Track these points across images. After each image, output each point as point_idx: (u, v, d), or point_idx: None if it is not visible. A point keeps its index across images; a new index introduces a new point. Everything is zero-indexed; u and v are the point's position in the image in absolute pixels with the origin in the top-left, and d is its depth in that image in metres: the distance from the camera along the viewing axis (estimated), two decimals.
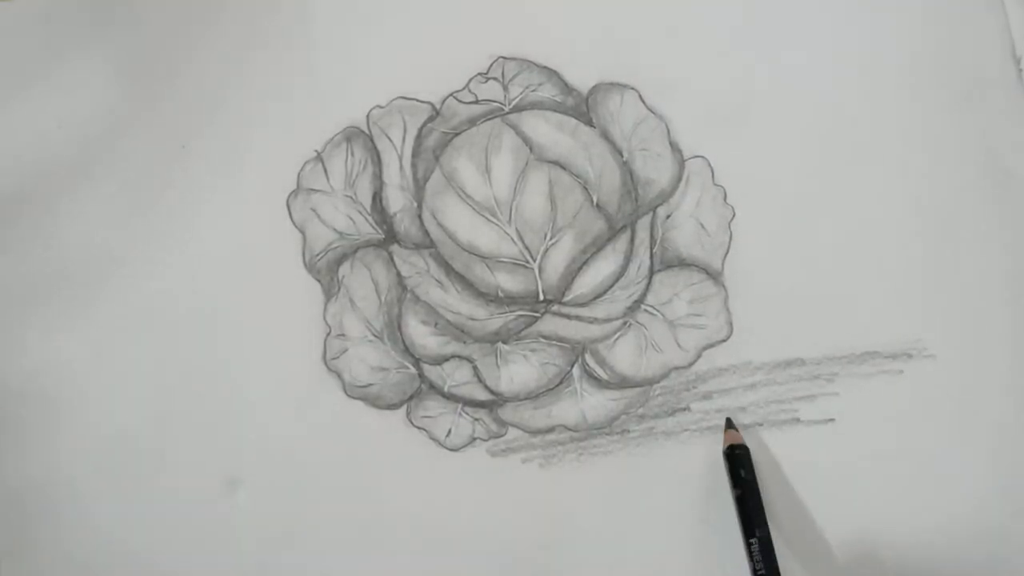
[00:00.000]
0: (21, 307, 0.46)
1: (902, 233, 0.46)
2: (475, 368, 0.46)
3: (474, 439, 0.45)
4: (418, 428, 0.45)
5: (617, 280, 0.46)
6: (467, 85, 0.47)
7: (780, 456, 0.44)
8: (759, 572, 0.40)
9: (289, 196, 0.47)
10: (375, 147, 0.47)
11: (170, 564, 0.45)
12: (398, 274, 0.46)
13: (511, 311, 0.46)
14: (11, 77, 0.48)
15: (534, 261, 0.46)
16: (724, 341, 0.45)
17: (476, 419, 0.45)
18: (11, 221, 0.47)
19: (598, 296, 0.46)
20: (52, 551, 0.44)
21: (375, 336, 0.46)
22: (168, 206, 0.47)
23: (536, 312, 0.46)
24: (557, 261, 0.46)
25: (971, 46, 0.47)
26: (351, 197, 0.47)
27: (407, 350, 0.46)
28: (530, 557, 0.44)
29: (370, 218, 0.47)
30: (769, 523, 0.42)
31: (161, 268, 0.46)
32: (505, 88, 0.47)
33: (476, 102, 0.47)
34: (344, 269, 0.46)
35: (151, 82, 0.47)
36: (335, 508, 0.45)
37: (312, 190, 0.47)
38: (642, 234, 0.46)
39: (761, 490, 0.43)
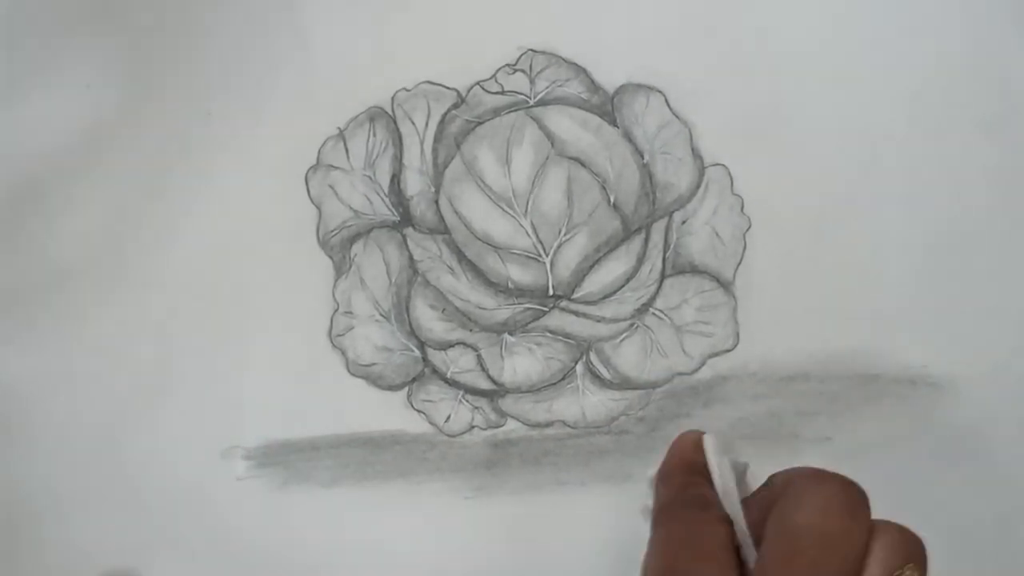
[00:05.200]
0: (26, 300, 0.46)
1: (917, 258, 0.46)
2: (479, 357, 0.46)
3: (472, 427, 0.45)
4: (418, 411, 0.45)
5: (628, 281, 0.46)
6: (494, 75, 0.47)
7: (775, 468, 0.44)
8: None
9: (308, 171, 0.47)
10: (398, 129, 0.47)
11: (165, 533, 0.45)
12: (410, 257, 0.46)
13: (519, 303, 0.46)
14: (39, 41, 0.48)
15: (546, 255, 0.46)
16: (730, 351, 0.45)
17: (476, 407, 0.46)
18: (29, 198, 0.47)
19: (608, 295, 0.46)
20: (50, 525, 0.45)
21: (382, 316, 0.46)
22: (188, 172, 0.47)
23: (544, 306, 0.46)
24: (569, 257, 0.46)
25: (998, 73, 0.47)
26: (370, 177, 0.47)
27: (413, 333, 0.46)
28: (523, 551, 0.44)
29: (387, 199, 0.47)
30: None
31: (176, 235, 0.46)
32: (532, 81, 0.47)
33: (502, 93, 0.47)
34: (357, 248, 0.46)
35: (178, 53, 0.47)
36: (331, 482, 0.45)
37: (331, 167, 0.47)
38: (656, 237, 0.46)
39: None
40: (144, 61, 0.47)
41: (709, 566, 0.32)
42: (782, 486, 0.34)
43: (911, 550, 0.33)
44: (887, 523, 0.33)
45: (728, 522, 0.34)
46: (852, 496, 0.33)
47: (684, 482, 0.36)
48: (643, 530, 0.44)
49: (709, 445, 0.36)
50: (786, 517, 0.33)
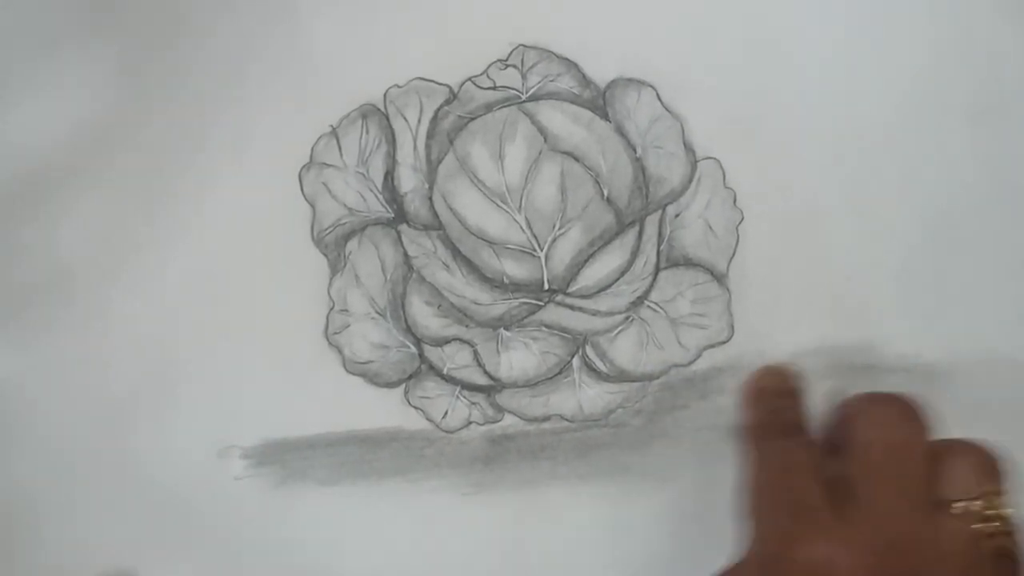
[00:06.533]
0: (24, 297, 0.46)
1: (909, 248, 0.46)
2: (475, 352, 0.46)
3: (470, 422, 0.45)
4: (415, 408, 0.45)
5: (623, 274, 0.46)
6: (486, 71, 0.47)
7: None
8: None
9: (301, 169, 0.47)
10: (390, 126, 0.47)
11: (164, 532, 0.45)
12: (405, 254, 0.46)
13: (515, 298, 0.46)
14: (30, 45, 0.47)
15: (541, 250, 0.46)
16: (725, 342, 0.46)
17: (473, 403, 0.46)
18: (24, 198, 0.46)
19: (603, 289, 0.46)
20: (49, 525, 0.45)
21: (378, 313, 0.46)
22: (182, 172, 0.46)
23: (540, 301, 0.46)
24: (564, 252, 0.46)
25: (988, 63, 0.47)
26: (363, 174, 0.47)
27: (409, 329, 0.46)
28: (518, 548, 0.45)
29: (381, 196, 0.47)
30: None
31: (170, 234, 0.46)
32: (523, 76, 0.47)
33: (494, 88, 0.47)
34: (351, 245, 0.46)
35: (169, 52, 0.47)
36: (328, 480, 0.45)
37: (325, 164, 0.47)
38: (650, 231, 0.47)
39: None
40: (137, 61, 0.47)
41: (807, 482, 0.36)
42: (846, 408, 0.38)
43: (995, 470, 0.36)
44: (969, 443, 0.37)
45: (815, 443, 0.38)
46: (905, 410, 0.37)
47: (774, 406, 0.41)
48: (640, 525, 0.45)
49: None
50: (851, 437, 0.36)
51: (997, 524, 0.35)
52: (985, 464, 0.36)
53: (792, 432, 0.39)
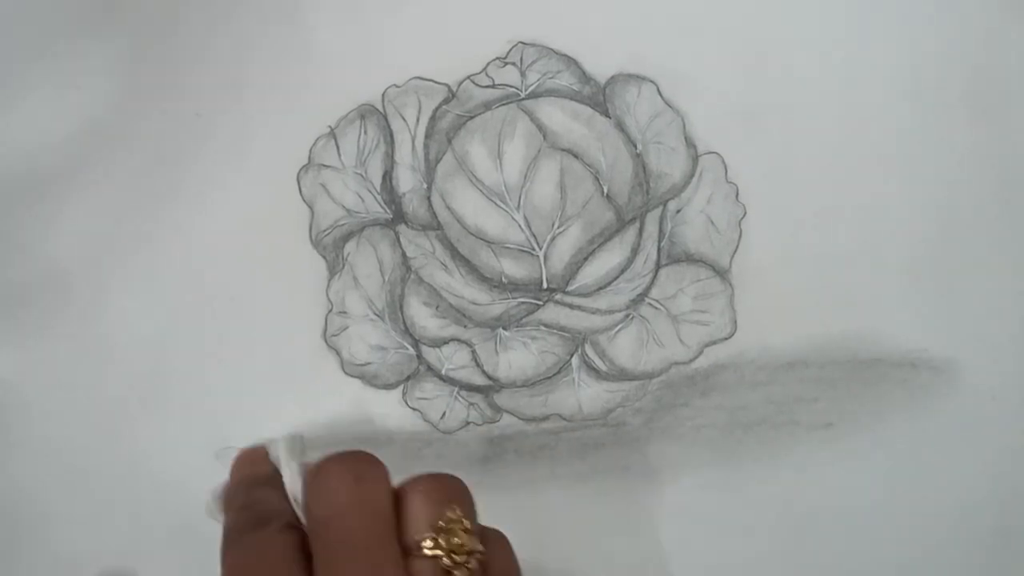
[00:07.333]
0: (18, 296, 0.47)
1: (913, 241, 0.45)
2: (474, 352, 0.45)
3: (468, 423, 0.45)
4: (413, 409, 0.45)
5: (623, 272, 0.45)
6: (485, 69, 0.47)
7: (775, 456, 0.43)
8: None
9: (300, 171, 0.47)
10: (389, 126, 0.47)
11: (162, 533, 0.45)
12: (403, 254, 0.46)
13: (513, 298, 0.45)
14: (29, 44, 0.48)
15: (540, 249, 0.45)
16: (727, 339, 0.45)
17: (471, 403, 0.45)
18: (22, 198, 0.47)
19: (602, 287, 0.45)
20: (48, 525, 0.45)
21: (376, 315, 0.46)
22: (180, 174, 0.47)
23: (539, 300, 0.45)
24: (563, 250, 0.45)
25: (993, 59, 0.46)
26: (361, 175, 0.47)
27: (407, 331, 0.46)
28: (517, 549, 0.44)
29: (379, 197, 0.46)
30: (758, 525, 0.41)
31: (168, 236, 0.46)
32: (523, 74, 0.47)
33: (493, 86, 0.47)
34: (350, 246, 0.46)
35: (167, 53, 0.47)
36: None
37: (323, 166, 0.47)
38: (651, 227, 0.46)
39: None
40: (133, 62, 0.47)
41: None
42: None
43: (448, 493, 0.33)
44: (417, 477, 0.34)
45: (296, 526, 0.33)
46: (352, 466, 0.34)
47: (244, 503, 0.36)
48: (640, 525, 0.44)
49: (281, 450, 0.37)
50: (307, 514, 0.33)
51: (464, 550, 0.32)
52: (437, 491, 0.33)
53: (265, 522, 0.34)
